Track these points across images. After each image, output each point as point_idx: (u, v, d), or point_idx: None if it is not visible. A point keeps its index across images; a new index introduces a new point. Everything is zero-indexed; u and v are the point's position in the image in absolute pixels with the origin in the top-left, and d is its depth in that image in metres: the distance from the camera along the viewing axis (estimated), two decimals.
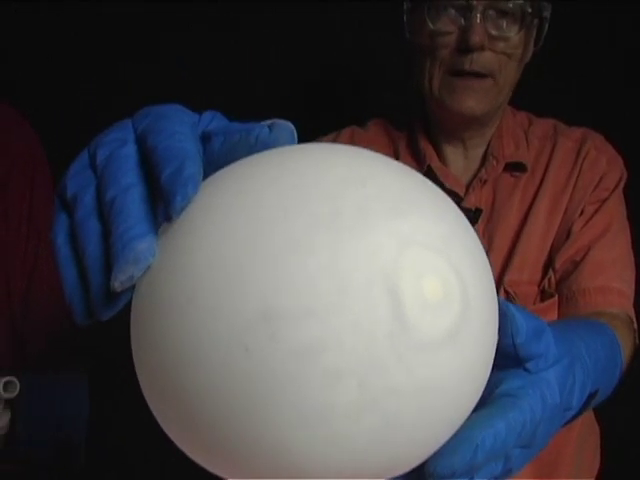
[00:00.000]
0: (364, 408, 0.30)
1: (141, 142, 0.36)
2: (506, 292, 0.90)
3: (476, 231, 0.96)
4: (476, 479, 0.37)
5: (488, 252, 0.92)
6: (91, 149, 0.36)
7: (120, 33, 1.40)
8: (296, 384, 0.30)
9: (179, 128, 0.35)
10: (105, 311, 0.34)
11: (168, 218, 0.32)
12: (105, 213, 0.34)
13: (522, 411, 0.37)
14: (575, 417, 0.47)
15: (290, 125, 0.37)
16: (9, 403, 0.57)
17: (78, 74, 1.41)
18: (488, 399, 0.37)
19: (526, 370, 0.40)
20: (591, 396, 0.47)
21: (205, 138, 0.37)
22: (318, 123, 1.04)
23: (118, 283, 0.32)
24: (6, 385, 0.54)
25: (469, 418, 0.35)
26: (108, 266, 0.33)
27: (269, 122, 0.37)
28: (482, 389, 0.35)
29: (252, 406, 0.30)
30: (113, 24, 1.40)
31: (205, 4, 1.40)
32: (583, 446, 1.00)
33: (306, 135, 0.99)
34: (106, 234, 0.33)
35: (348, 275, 0.30)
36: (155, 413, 0.35)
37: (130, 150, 0.35)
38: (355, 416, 0.30)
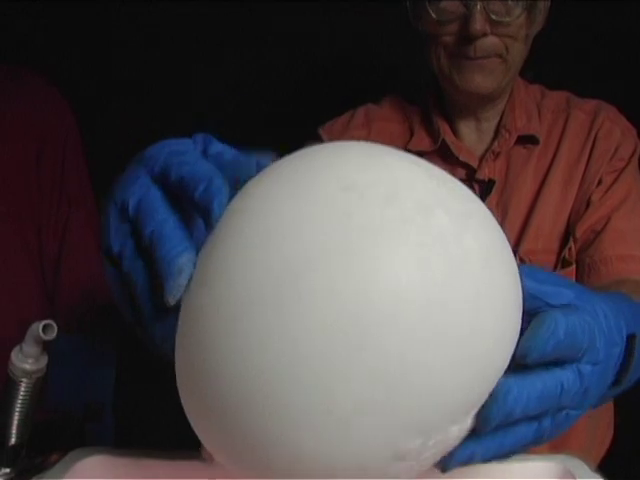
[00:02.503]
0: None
1: (163, 181, 0.41)
2: (522, 260, 0.92)
3: (490, 202, 0.97)
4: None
5: (502, 223, 0.94)
6: (118, 203, 0.42)
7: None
8: None
9: (192, 158, 0.41)
10: (158, 332, 0.40)
11: (209, 228, 0.38)
12: (146, 246, 0.39)
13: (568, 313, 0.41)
14: (626, 366, 0.48)
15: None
16: (46, 347, 0.59)
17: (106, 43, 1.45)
18: None
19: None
20: (631, 339, 0.49)
21: None
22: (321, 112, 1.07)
23: (171, 296, 0.37)
24: (45, 328, 0.56)
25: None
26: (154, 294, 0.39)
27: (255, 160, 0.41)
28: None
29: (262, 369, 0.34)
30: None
31: None
32: (597, 421, 1.01)
33: (308, 122, 1.01)
34: (150, 264, 0.39)
35: None
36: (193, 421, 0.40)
37: (155, 192, 0.41)
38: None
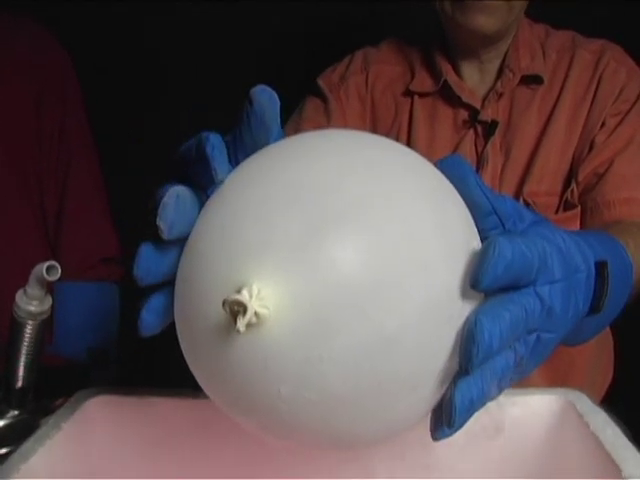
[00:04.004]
0: None
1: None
2: (525, 202, 0.91)
3: (493, 143, 0.96)
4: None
5: (505, 164, 0.94)
6: None
7: None
8: None
9: None
10: None
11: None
12: None
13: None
14: (601, 292, 0.48)
15: (264, 88, 0.42)
16: (50, 289, 0.60)
17: None
18: None
19: (508, 232, 0.42)
20: (601, 266, 0.48)
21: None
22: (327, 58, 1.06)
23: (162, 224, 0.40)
24: (48, 269, 0.56)
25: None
26: None
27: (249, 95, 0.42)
28: None
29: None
30: None
31: None
32: (598, 359, 1.02)
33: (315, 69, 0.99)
34: None
35: None
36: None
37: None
38: None
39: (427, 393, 0.38)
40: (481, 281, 0.37)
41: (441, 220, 0.38)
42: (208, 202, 0.40)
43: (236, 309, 0.33)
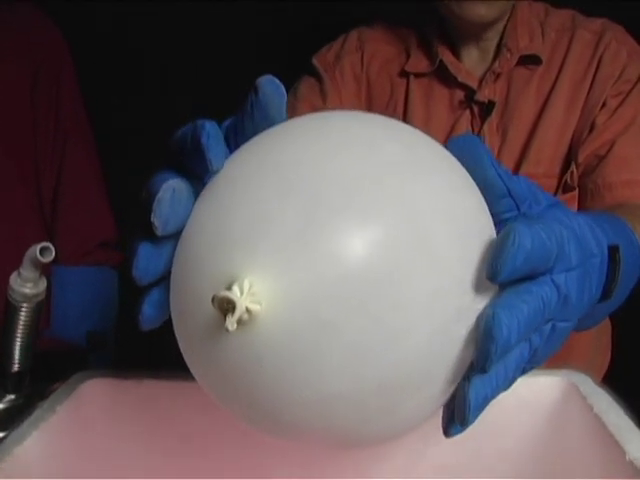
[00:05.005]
0: None
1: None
2: None
3: (490, 125, 0.95)
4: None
5: (502, 146, 0.93)
6: None
7: None
8: None
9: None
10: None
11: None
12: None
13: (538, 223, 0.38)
14: (613, 278, 0.47)
15: (271, 79, 0.40)
16: (44, 271, 0.59)
17: None
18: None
19: (524, 215, 0.41)
20: (613, 250, 0.47)
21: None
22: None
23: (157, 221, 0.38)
24: (42, 250, 0.55)
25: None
26: None
27: (255, 85, 0.40)
28: None
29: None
30: None
31: None
32: (597, 341, 1.02)
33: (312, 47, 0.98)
34: None
35: None
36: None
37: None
38: None
39: (435, 391, 0.36)
40: (499, 273, 0.35)
41: (451, 203, 0.35)
42: (202, 193, 0.38)
43: (226, 306, 0.31)
